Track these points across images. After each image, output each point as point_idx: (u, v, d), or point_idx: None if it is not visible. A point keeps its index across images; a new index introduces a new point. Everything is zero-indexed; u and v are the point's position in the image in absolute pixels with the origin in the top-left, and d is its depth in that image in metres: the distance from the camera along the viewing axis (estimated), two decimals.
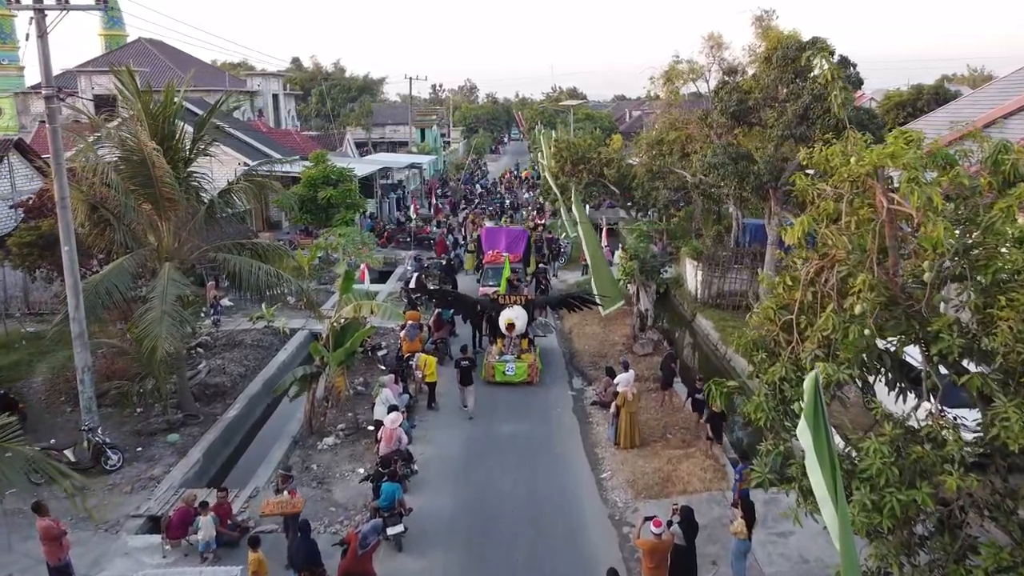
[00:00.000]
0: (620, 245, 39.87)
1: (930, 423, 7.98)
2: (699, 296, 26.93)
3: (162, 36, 75.19)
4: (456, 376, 17.95)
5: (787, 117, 19.97)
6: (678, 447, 15.81)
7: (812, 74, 20.61)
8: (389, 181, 51.73)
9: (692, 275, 27.69)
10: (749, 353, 9.37)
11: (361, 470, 14.41)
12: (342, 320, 16.30)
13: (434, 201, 45.57)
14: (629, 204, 37.79)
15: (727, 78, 22.42)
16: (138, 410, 17.53)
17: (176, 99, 17.48)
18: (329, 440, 16.07)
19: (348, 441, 16.26)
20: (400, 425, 14.30)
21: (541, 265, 27.07)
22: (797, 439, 9.39)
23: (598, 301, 20.65)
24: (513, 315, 19.22)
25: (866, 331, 8.22)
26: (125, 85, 16.80)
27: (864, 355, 8.65)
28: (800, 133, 19.91)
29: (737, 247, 27.38)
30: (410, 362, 19.15)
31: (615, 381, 16.72)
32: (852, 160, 8.76)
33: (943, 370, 8.26)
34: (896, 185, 8.84)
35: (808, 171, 22.70)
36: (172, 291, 15.48)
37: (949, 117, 28.97)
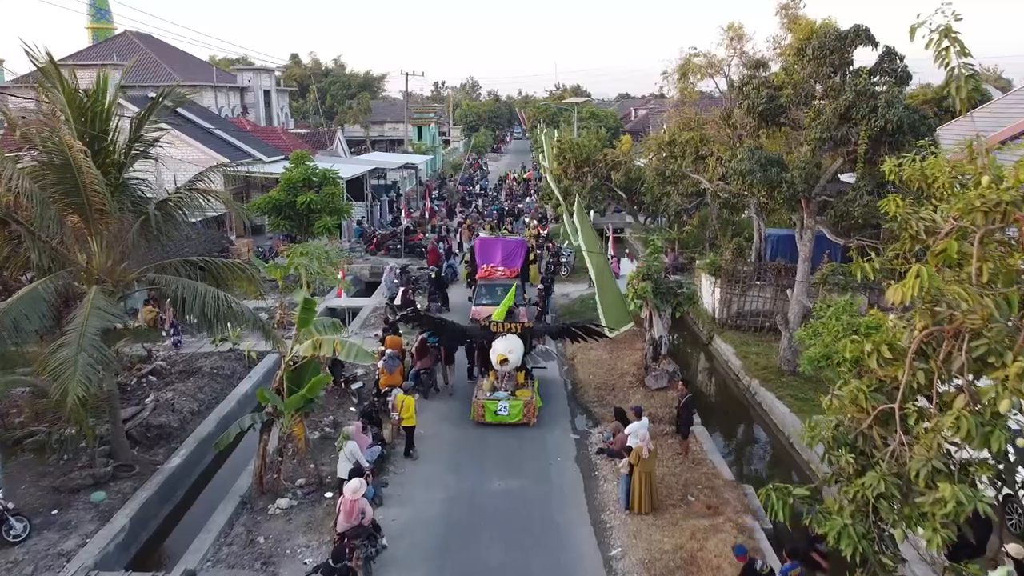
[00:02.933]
0: (626, 252, 37.23)
1: None
2: (717, 316, 24.24)
3: (159, 33, 72.55)
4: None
5: (826, 117, 17.25)
6: (703, 514, 13.12)
7: (852, 67, 18.00)
8: (383, 182, 49.08)
9: (709, 292, 25.01)
10: (828, 450, 6.70)
11: (310, 560, 11.65)
12: (299, 357, 13.61)
13: (429, 204, 42.84)
14: (636, 209, 35.17)
15: (754, 72, 19.68)
16: (65, 457, 14.90)
17: (111, 91, 14.81)
18: (283, 502, 13.38)
19: (307, 502, 13.58)
20: (364, 494, 11.62)
21: (540, 286, 24.25)
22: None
23: (605, 332, 17.92)
24: (506, 347, 16.51)
25: (1019, 440, 5.59)
26: (46, 73, 14.13)
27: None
28: (840, 136, 17.22)
29: (759, 261, 24.67)
30: (387, 398, 16.53)
31: (627, 431, 14.04)
32: (983, 181, 6.06)
33: None
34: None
35: (845, 178, 20.05)
36: (95, 322, 12.75)
37: (992, 119, 26.25)
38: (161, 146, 15.71)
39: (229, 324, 18.52)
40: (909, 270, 5.88)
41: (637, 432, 13.54)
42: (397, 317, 20.62)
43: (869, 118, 16.58)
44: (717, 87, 25.38)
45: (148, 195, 15.66)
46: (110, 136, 14.59)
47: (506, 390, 17.04)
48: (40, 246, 13.74)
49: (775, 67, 21.87)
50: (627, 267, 31.64)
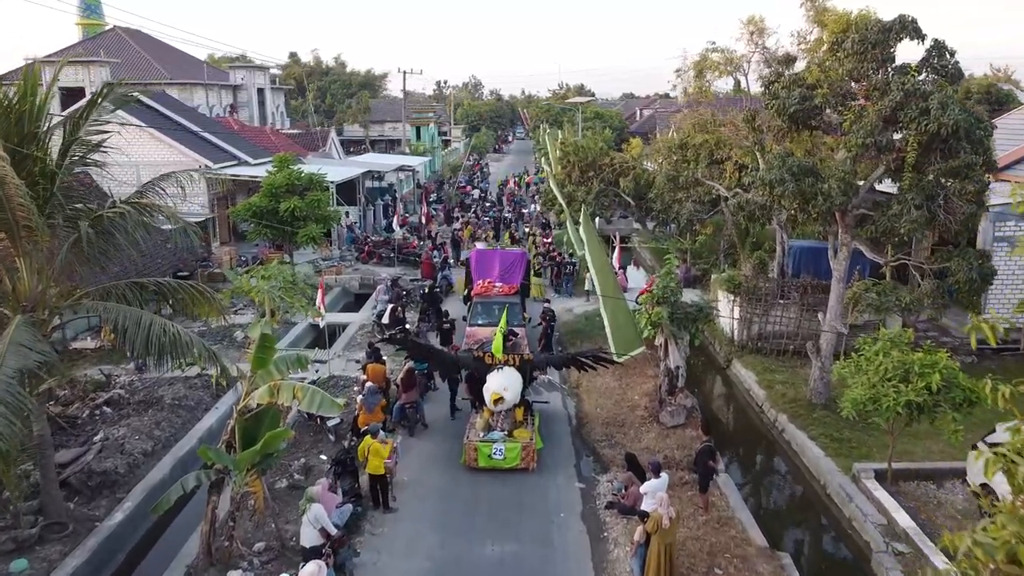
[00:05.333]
0: (632, 260, 35.12)
1: None
2: (736, 337, 22.11)
3: (154, 31, 70.39)
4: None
5: (868, 120, 15.14)
6: None
7: (895, 64, 15.89)
8: (379, 184, 47.06)
9: (727, 310, 22.87)
10: None
11: None
12: (253, 405, 11.50)
13: (426, 208, 40.68)
14: (644, 215, 33.12)
15: (783, 69, 17.56)
16: None
17: (42, 88, 12.74)
18: (235, 574, 11.31)
19: (265, 573, 11.50)
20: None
21: (547, 305, 22.13)
22: None
23: (615, 358, 15.85)
24: (501, 383, 14.39)
25: None
26: None
27: None
28: (885, 141, 15.10)
29: (783, 277, 22.54)
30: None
31: (642, 490, 11.94)
32: None
33: None
34: None
35: (882, 188, 17.90)
36: (13, 361, 10.69)
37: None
38: (106, 151, 13.60)
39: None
40: None
41: (654, 493, 11.43)
42: (380, 339, 18.51)
43: (919, 121, 14.47)
44: (736, 84, 23.26)
45: (90, 206, 13.58)
46: (39, 140, 12.51)
47: (502, 429, 14.94)
48: None
49: (800, 64, 19.78)
50: (634, 276, 29.57)
